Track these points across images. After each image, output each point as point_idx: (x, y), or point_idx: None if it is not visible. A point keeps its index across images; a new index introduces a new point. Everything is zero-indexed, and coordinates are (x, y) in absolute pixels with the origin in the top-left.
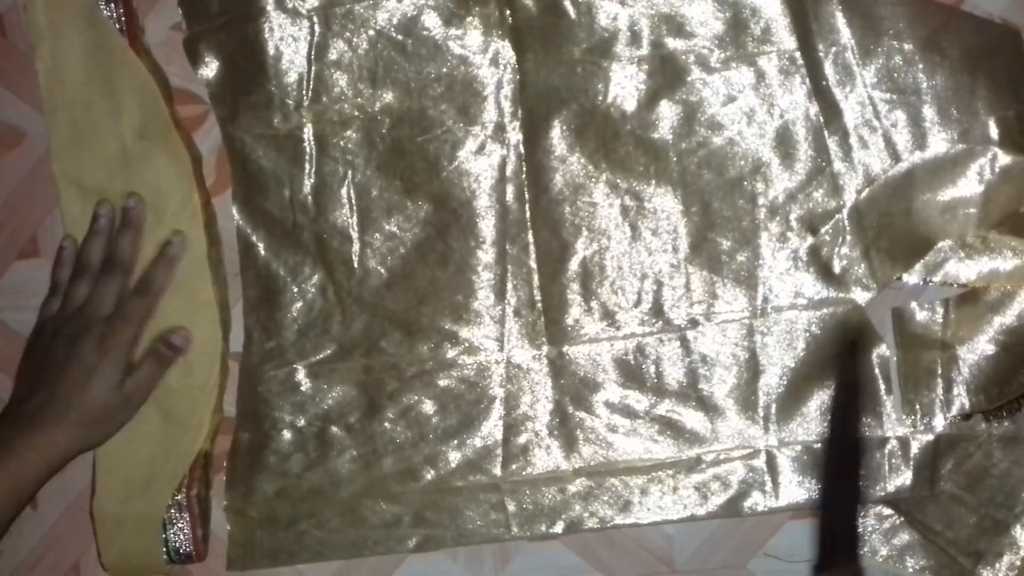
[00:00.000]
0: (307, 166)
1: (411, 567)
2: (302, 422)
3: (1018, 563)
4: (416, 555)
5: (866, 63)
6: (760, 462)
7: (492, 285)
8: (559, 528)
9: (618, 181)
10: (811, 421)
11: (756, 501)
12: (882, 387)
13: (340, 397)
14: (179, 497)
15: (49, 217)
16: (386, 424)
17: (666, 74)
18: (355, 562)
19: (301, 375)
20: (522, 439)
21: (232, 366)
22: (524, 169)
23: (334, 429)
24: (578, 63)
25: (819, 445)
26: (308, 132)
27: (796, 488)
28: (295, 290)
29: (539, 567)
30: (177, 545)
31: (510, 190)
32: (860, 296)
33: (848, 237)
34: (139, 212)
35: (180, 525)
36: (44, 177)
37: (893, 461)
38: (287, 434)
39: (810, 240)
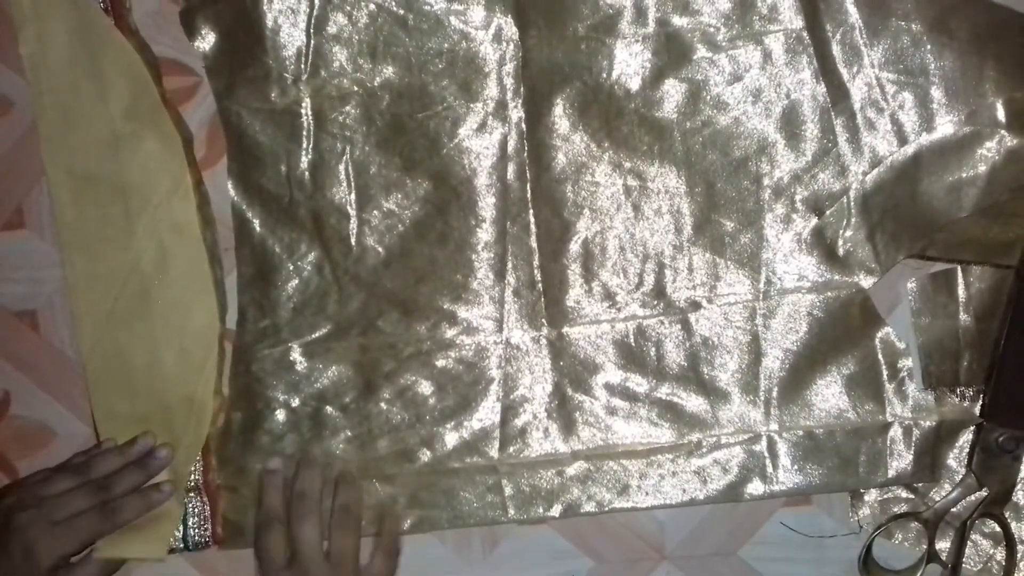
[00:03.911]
0: (304, 141)
1: (402, 549)
2: (296, 402)
3: None
4: (404, 537)
5: (874, 43)
6: (761, 447)
7: (492, 265)
8: (556, 511)
9: (621, 160)
10: (813, 406)
11: (756, 487)
12: (884, 372)
13: (335, 377)
14: (195, 478)
15: (35, 189)
16: (382, 405)
17: (671, 52)
18: None
19: (296, 354)
20: (520, 421)
21: (227, 347)
22: (526, 147)
23: (329, 409)
24: (582, 40)
25: (820, 431)
26: (306, 107)
27: (796, 474)
28: (291, 267)
29: (528, 550)
30: (195, 532)
31: (511, 168)
32: (864, 279)
33: (853, 219)
34: (163, 463)
35: (198, 509)
36: (31, 148)
37: (894, 447)
38: (281, 414)
39: (814, 222)
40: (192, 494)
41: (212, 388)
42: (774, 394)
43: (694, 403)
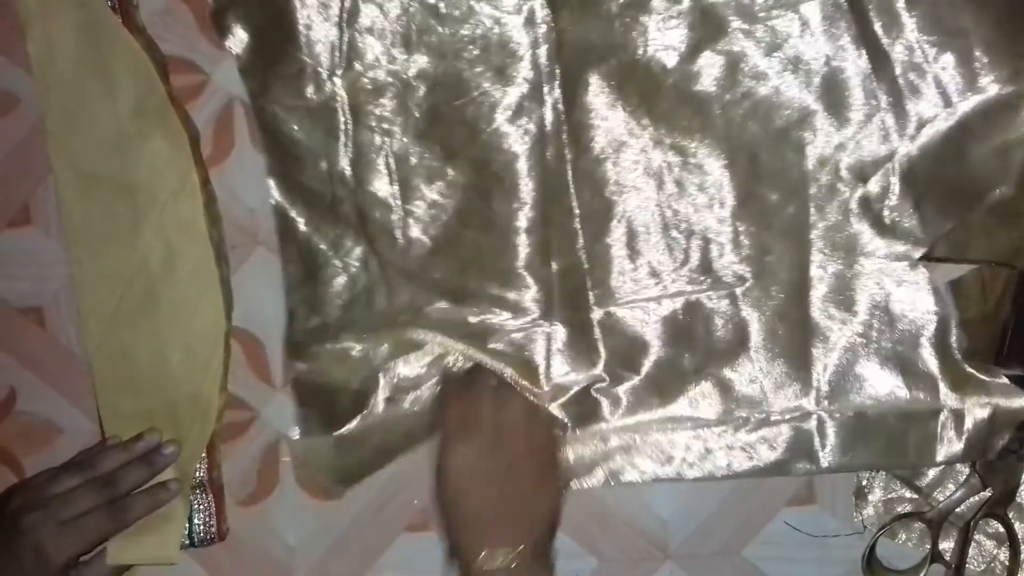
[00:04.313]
0: (343, 136)
1: (404, 545)
2: (357, 384)
3: None
4: (409, 532)
5: (912, 8)
6: (810, 426)
7: (536, 248)
8: (598, 478)
9: (661, 137)
10: (864, 385)
11: (802, 465)
12: (935, 353)
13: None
14: (200, 475)
15: (41, 186)
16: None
17: (707, 26)
18: (349, 537)
19: (350, 342)
20: (569, 400)
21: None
22: (563, 129)
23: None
24: (615, 19)
25: (871, 411)
26: (342, 101)
27: (843, 454)
28: (338, 264)
29: None
30: (201, 529)
31: (550, 151)
32: (913, 250)
33: (899, 188)
34: (169, 460)
35: (204, 506)
36: (38, 145)
37: (945, 432)
38: (346, 397)
39: (860, 191)
40: (197, 491)
41: (218, 386)
42: (825, 371)
43: (743, 379)
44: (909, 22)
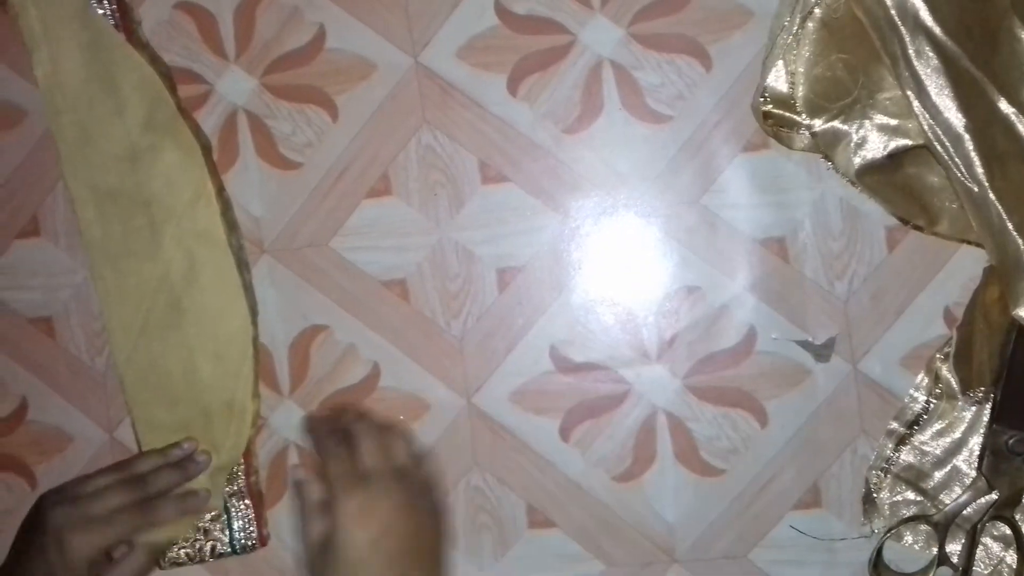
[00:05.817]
0: None
1: None
2: None
3: None
4: None
5: None
6: None
7: None
8: None
9: None
10: None
11: None
12: None
13: None
14: (239, 484)
15: (50, 197)
16: None
17: None
18: None
19: None
20: None
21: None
22: None
23: None
24: None
25: None
26: None
27: None
28: None
29: (538, 554)
30: (241, 535)
31: None
32: None
33: None
34: (201, 467)
35: (243, 512)
36: (45, 156)
37: None
38: None
39: None
40: (235, 499)
41: (250, 391)
42: None
43: None
44: None
